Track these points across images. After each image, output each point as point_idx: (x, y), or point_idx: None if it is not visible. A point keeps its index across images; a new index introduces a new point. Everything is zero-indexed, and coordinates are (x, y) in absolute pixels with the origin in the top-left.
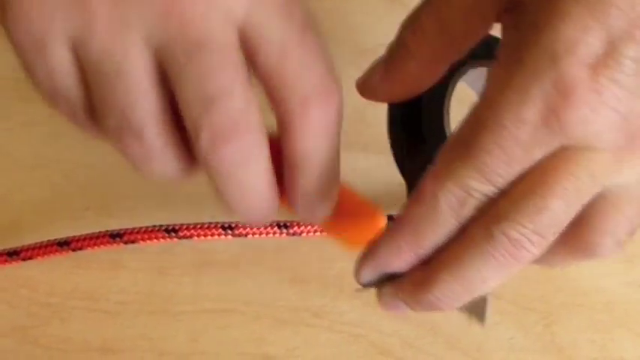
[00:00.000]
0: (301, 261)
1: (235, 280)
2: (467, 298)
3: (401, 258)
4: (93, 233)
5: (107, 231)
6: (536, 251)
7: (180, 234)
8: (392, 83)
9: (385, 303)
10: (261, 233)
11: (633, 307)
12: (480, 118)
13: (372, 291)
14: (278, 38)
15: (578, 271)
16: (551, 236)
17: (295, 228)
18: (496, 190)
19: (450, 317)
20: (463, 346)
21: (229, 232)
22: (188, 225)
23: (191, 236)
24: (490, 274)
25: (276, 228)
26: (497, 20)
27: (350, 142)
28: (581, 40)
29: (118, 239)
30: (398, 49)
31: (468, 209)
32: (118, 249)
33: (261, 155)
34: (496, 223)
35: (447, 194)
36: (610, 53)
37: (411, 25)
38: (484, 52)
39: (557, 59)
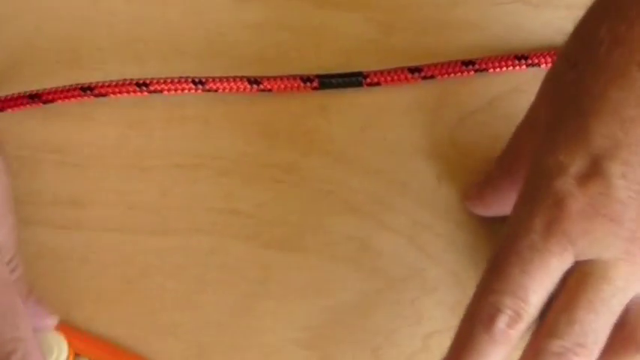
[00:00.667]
0: (271, 116)
1: (205, 135)
2: None
3: None
4: (64, 86)
5: (78, 84)
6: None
7: (151, 88)
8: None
9: None
10: (231, 89)
11: None
12: (502, 237)
13: (341, 147)
14: None
15: None
16: (593, 344)
17: (265, 83)
18: (524, 306)
19: (420, 175)
20: (433, 204)
21: (200, 86)
22: (159, 79)
23: (162, 90)
24: None
25: (246, 83)
26: None
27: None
28: (570, 162)
29: (88, 92)
30: None
31: (500, 325)
32: (88, 102)
33: None
34: (540, 339)
35: (478, 311)
36: (596, 170)
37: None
38: None
39: (552, 179)
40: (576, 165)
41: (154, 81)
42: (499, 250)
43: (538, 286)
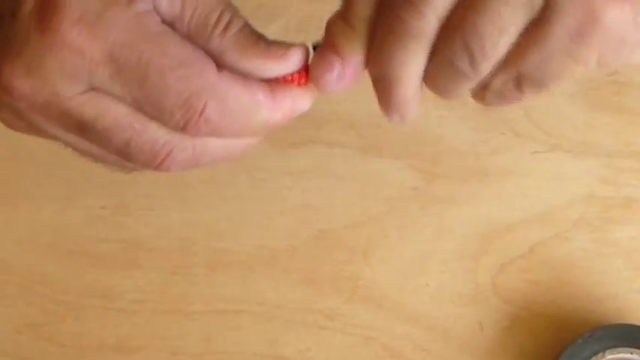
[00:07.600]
0: (314, 263)
1: (249, 281)
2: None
3: None
4: None
5: None
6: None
7: None
8: None
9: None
10: None
11: None
12: None
13: (384, 294)
14: None
15: (590, 278)
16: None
17: None
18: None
19: (461, 322)
20: (473, 351)
21: None
22: None
23: None
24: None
25: None
26: None
27: (365, 146)
28: None
29: None
30: None
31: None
32: (133, 248)
33: None
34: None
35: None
36: None
37: None
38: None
39: None
40: None
41: None
42: None
43: None
